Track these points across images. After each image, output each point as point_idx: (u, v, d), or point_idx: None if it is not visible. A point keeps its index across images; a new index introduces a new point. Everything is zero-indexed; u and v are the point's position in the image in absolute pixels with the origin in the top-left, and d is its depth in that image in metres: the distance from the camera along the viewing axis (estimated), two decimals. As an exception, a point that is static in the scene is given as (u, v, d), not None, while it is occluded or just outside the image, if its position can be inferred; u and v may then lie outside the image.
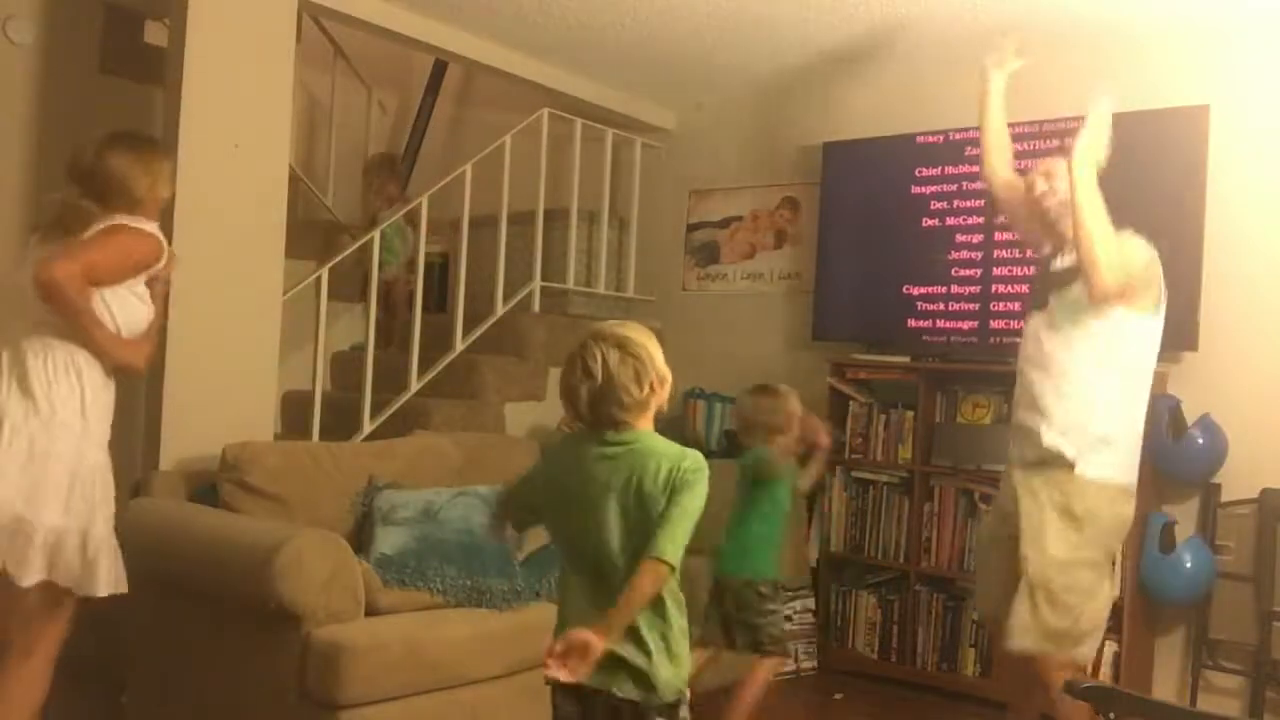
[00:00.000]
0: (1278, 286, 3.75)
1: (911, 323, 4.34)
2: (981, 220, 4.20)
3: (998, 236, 4.16)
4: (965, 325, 4.22)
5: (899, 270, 4.37)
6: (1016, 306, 3.99)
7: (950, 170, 4.29)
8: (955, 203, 4.27)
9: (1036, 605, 2.74)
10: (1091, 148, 2.78)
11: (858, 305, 4.52)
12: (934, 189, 4.32)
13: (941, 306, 4.28)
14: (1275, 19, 3.69)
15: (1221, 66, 3.85)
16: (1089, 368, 2.80)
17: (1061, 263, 2.92)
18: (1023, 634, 2.76)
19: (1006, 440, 3.05)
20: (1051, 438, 2.80)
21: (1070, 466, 2.78)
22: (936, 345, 4.26)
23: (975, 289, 4.20)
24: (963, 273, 4.24)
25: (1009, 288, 4.11)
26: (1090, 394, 2.79)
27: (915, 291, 4.34)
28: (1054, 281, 2.91)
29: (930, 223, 4.33)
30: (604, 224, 5.11)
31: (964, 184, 4.23)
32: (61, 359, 2.46)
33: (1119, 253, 2.74)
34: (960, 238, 4.25)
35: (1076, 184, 2.75)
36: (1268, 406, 3.71)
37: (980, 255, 4.20)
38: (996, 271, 4.15)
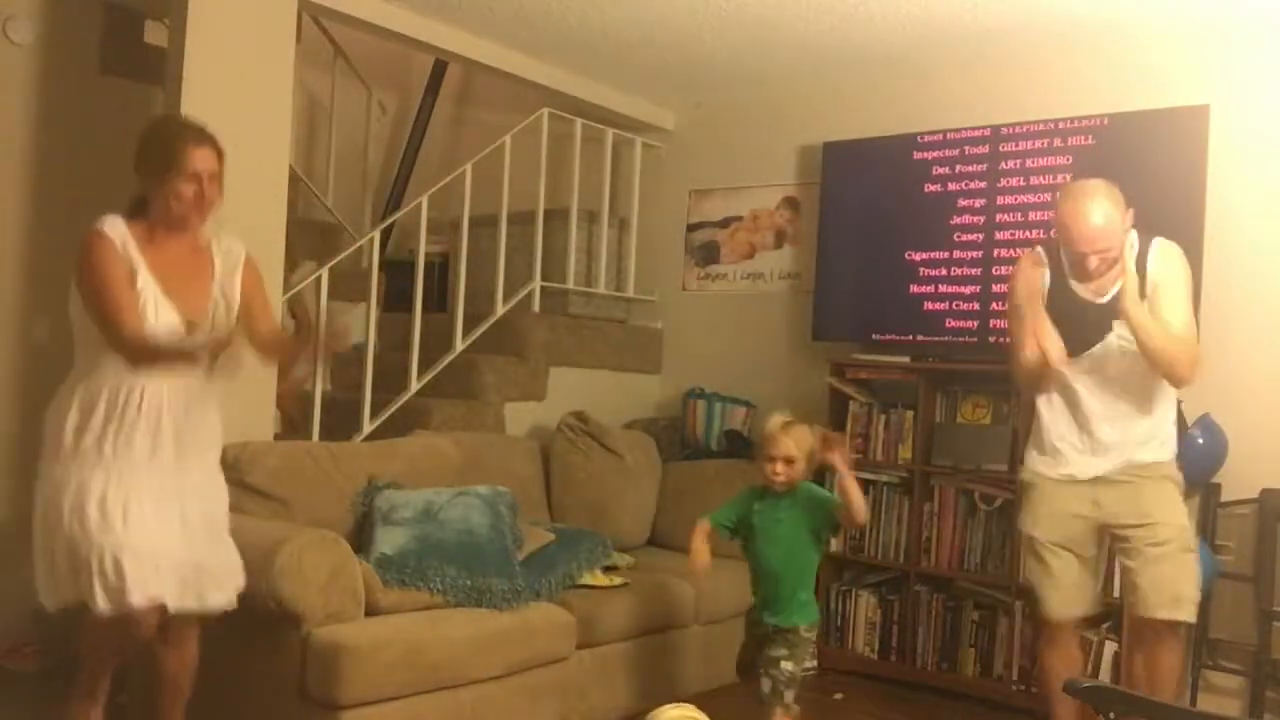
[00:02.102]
0: (1278, 286, 3.75)
1: (912, 322, 4.33)
2: (983, 221, 4.21)
3: (998, 236, 4.16)
4: (965, 337, 4.21)
5: (900, 269, 4.36)
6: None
7: (952, 161, 4.28)
8: (959, 199, 4.27)
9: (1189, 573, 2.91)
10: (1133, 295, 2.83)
11: (858, 305, 4.51)
12: (935, 188, 4.32)
13: (944, 306, 4.27)
14: (1275, 19, 3.68)
15: (1221, 66, 3.85)
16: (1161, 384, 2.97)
17: (1109, 297, 2.91)
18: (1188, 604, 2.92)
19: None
20: (1153, 449, 2.96)
21: (1169, 462, 2.98)
22: (939, 335, 4.27)
23: (976, 287, 4.20)
24: (964, 271, 4.24)
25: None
26: (1170, 403, 3.01)
27: (917, 288, 4.33)
28: (1113, 313, 2.90)
29: (933, 191, 4.32)
30: (604, 224, 5.11)
31: (968, 184, 4.23)
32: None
33: (1193, 333, 2.89)
34: (961, 237, 4.25)
35: (1141, 326, 2.82)
36: (1268, 406, 3.71)
37: (980, 255, 4.20)
38: (996, 271, 4.14)
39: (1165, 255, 2.91)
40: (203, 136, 2.54)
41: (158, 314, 2.46)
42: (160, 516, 2.45)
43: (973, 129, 4.23)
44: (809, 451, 2.98)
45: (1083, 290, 2.94)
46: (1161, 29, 3.84)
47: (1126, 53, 3.99)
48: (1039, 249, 3.06)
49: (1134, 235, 2.94)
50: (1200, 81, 3.84)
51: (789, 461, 2.95)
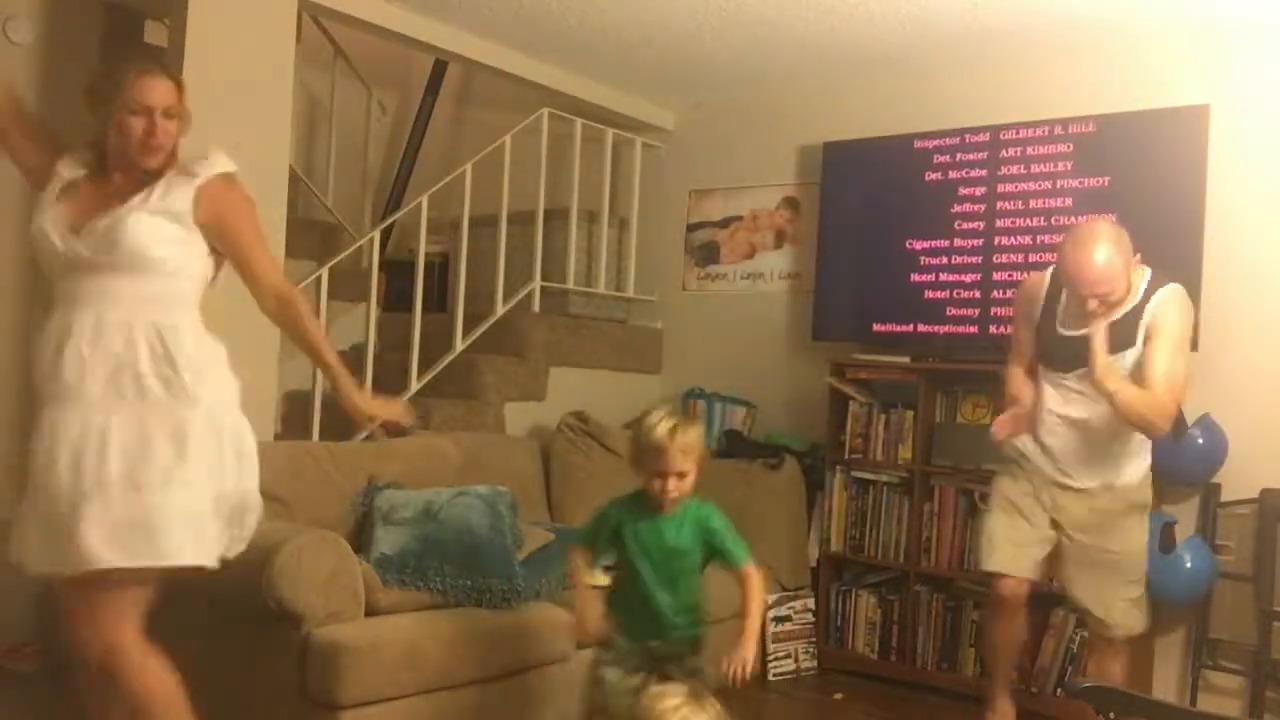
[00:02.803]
0: (1278, 286, 3.75)
1: (913, 312, 4.33)
2: (983, 209, 4.21)
3: (999, 224, 4.16)
4: (966, 325, 4.21)
5: (900, 259, 4.36)
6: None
7: (953, 150, 4.28)
8: (959, 187, 4.27)
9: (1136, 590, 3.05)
10: (1104, 366, 2.85)
11: (858, 301, 4.51)
12: (935, 176, 4.31)
13: (944, 295, 4.27)
14: (1275, 19, 3.68)
15: (1221, 66, 3.85)
16: None
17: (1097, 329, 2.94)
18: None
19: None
20: (1127, 472, 3.05)
21: (1142, 480, 3.08)
22: (939, 324, 4.28)
23: (976, 275, 4.20)
24: (965, 260, 4.23)
25: (1008, 289, 4.10)
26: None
27: (917, 277, 4.33)
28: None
29: (934, 179, 4.31)
30: (604, 224, 5.11)
31: (968, 172, 4.23)
32: None
33: (1175, 384, 2.90)
34: (962, 225, 4.25)
35: (1121, 401, 2.85)
36: (1268, 406, 3.71)
37: (981, 242, 4.19)
38: (997, 259, 4.15)
39: (1168, 301, 2.92)
40: (155, 68, 2.32)
41: (43, 216, 2.28)
42: (64, 462, 2.20)
43: (978, 128, 4.23)
44: (700, 457, 2.53)
45: (1072, 323, 2.98)
46: (1161, 29, 3.84)
47: (1126, 53, 3.99)
48: (1048, 272, 3.10)
49: (1146, 272, 2.97)
50: (1200, 81, 3.84)
51: (681, 475, 2.49)
